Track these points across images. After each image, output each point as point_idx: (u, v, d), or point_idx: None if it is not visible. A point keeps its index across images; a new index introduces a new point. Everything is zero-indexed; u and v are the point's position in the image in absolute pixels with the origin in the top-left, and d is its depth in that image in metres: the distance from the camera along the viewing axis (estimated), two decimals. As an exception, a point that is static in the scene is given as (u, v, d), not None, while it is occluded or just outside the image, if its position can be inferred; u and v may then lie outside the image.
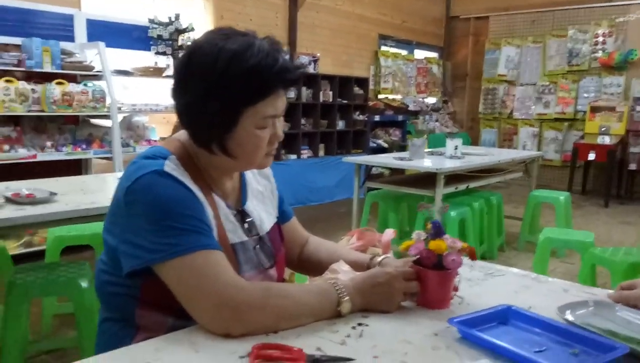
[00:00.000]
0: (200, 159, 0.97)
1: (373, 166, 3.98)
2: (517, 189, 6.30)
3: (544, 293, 1.00)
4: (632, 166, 6.32)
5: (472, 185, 3.81)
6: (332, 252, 1.15)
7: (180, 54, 4.26)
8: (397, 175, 5.00)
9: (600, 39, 6.81)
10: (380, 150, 6.39)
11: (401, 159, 3.77)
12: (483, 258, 3.62)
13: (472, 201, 3.67)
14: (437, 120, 7.70)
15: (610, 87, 6.77)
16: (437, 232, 0.98)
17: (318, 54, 5.88)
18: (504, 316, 0.90)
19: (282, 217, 1.15)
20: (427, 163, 3.60)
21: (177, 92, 0.94)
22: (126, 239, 0.88)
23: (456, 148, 3.87)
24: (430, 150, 4.34)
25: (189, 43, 4.35)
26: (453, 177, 3.59)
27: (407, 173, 4.84)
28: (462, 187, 3.66)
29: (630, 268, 2.26)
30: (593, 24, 6.87)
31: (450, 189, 3.50)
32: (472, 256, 0.99)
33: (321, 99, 5.76)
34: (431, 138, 6.84)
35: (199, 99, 0.90)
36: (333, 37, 6.26)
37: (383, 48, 7.08)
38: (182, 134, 0.99)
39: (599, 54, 6.80)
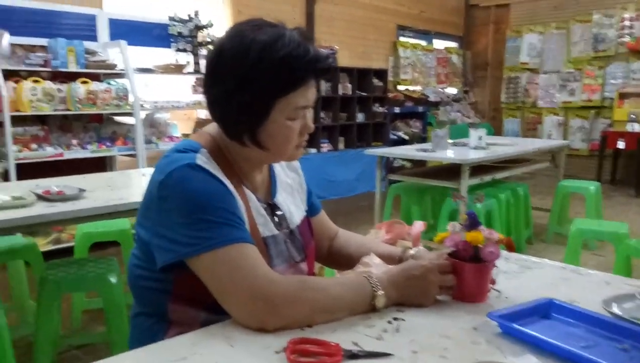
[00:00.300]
0: (230, 152, 0.96)
1: (395, 158, 3.94)
2: (543, 180, 6.16)
3: (585, 286, 0.97)
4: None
5: (498, 176, 3.74)
6: (361, 245, 1.14)
7: (207, 48, 4.33)
8: (418, 168, 4.94)
9: (627, 23, 6.59)
10: (400, 142, 6.33)
11: (424, 150, 3.71)
12: (509, 250, 3.54)
13: (498, 193, 3.60)
14: (458, 111, 7.58)
15: (638, 72, 6.55)
16: (473, 223, 0.95)
17: (336, 47, 5.84)
18: (546, 310, 0.87)
19: (311, 210, 1.14)
20: (451, 154, 3.54)
21: (209, 84, 0.93)
22: (159, 233, 0.87)
23: (480, 138, 3.79)
24: (453, 141, 4.27)
25: (212, 37, 4.41)
26: (477, 168, 3.53)
27: (429, 165, 4.78)
28: (487, 178, 3.59)
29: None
30: (619, 8, 6.65)
31: (475, 181, 3.44)
32: (511, 248, 0.96)
33: (340, 91, 5.73)
34: (453, 129, 6.73)
35: (231, 90, 0.89)
36: (351, 29, 6.21)
37: (401, 39, 6.99)
38: (212, 127, 0.99)
39: (626, 38, 6.58)
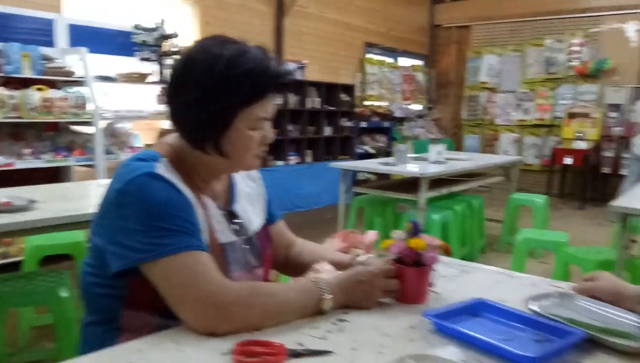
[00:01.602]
0: (190, 161, 1.00)
1: (359, 172, 4.04)
2: (499, 193, 6.39)
3: (514, 288, 1.05)
4: (606, 170, 6.54)
5: (455, 189, 3.89)
6: (316, 254, 1.19)
7: (172, 58, 4.30)
8: (383, 181, 5.05)
9: (576, 48, 6.99)
10: (367, 156, 6.45)
11: (386, 164, 3.83)
12: (464, 259, 3.67)
13: (454, 204, 3.74)
14: (422, 127, 7.81)
15: (585, 94, 6.94)
16: (416, 230, 1.02)
17: (305, 61, 5.94)
18: (476, 309, 0.94)
19: (270, 219, 1.18)
20: (411, 168, 3.66)
21: (174, 95, 0.98)
22: (115, 240, 0.90)
23: (439, 153, 3.94)
24: (415, 155, 4.42)
25: (178, 47, 4.38)
26: (437, 182, 3.66)
27: (393, 178, 4.90)
28: (445, 191, 3.73)
29: (600, 265, 2.35)
30: (569, 34, 7.06)
31: (434, 193, 3.57)
32: (448, 253, 1.04)
33: (308, 105, 5.81)
34: (417, 144, 6.94)
35: (196, 101, 0.94)
36: (320, 45, 6.32)
37: (369, 55, 7.17)
38: (172, 138, 1.03)
39: (575, 62, 6.98)
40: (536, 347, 0.80)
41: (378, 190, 3.80)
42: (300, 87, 5.75)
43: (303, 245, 1.24)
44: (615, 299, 0.95)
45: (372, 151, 6.68)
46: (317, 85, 5.95)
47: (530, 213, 4.16)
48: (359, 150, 6.54)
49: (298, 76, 5.87)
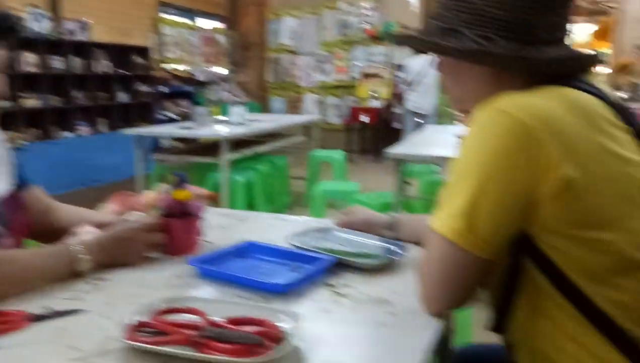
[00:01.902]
0: None
1: (160, 138, 3.82)
2: (304, 153, 6.81)
3: (287, 229, 1.11)
4: (396, 125, 7.48)
5: (259, 150, 3.98)
6: (80, 218, 1.10)
7: None
8: (187, 146, 4.89)
9: (367, 12, 7.64)
10: (169, 122, 6.16)
11: (186, 128, 3.70)
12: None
13: (258, 165, 3.85)
14: (227, 90, 7.75)
15: (376, 55, 7.67)
16: (180, 182, 1.00)
17: (89, 20, 5.27)
18: (244, 251, 0.98)
19: (20, 184, 1.06)
20: (211, 131, 3.61)
21: None
22: None
23: (240, 115, 3.95)
24: (219, 118, 4.37)
25: None
26: (241, 144, 3.68)
27: (201, 142, 4.79)
28: (248, 152, 3.78)
29: (381, 207, 2.70)
30: (360, -2, 7.67)
31: (237, 155, 3.59)
32: (214, 200, 1.05)
33: (96, 69, 5.23)
34: (223, 108, 6.86)
35: None
36: (106, 2, 5.68)
37: (164, 16, 6.73)
38: None
39: (366, 25, 7.66)
40: (289, 275, 0.86)
41: (178, 155, 3.68)
42: (85, 49, 5.13)
43: (65, 210, 1.15)
44: (367, 228, 1.08)
45: (175, 117, 6.40)
46: (106, 47, 5.40)
47: (331, 168, 4.53)
48: (160, 117, 6.20)
49: (81, 37, 5.21)
